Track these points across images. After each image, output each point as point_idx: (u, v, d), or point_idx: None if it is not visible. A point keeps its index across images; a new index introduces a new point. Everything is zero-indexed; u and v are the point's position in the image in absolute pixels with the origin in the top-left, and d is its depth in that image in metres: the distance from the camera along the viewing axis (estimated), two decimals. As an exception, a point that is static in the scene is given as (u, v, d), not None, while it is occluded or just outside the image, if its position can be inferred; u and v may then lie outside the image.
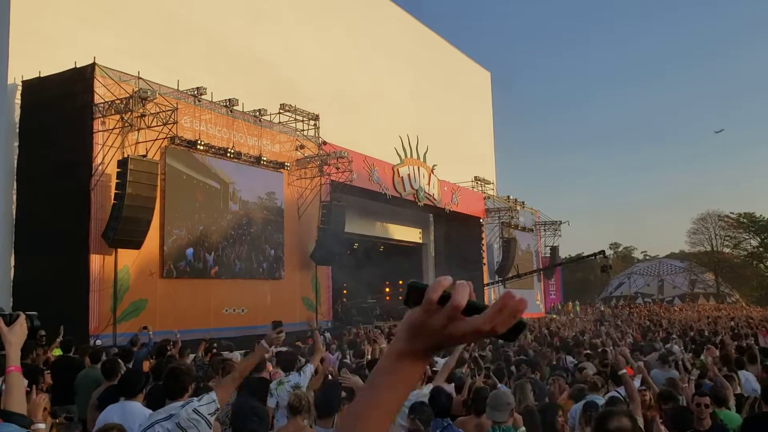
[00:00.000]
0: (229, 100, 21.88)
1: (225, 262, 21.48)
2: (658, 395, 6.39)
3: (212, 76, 22.95)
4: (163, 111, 18.33)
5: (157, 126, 18.34)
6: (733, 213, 75.85)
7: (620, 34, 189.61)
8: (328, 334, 19.09)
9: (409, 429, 4.65)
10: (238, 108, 22.29)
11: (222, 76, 23.99)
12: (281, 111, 24.34)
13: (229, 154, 21.39)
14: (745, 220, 74.49)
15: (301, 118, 25.19)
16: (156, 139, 18.36)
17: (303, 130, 25.37)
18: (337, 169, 24.95)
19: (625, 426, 2.65)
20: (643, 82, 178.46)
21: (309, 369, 7.00)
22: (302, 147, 24.82)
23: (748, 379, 8.46)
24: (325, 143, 25.49)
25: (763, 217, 73.70)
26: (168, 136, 18.82)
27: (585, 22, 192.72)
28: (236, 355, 10.73)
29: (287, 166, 24.04)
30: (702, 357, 11.15)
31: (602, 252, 31.18)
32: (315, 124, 25.61)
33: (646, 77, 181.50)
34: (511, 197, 43.29)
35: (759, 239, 74.66)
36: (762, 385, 6.47)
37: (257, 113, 23.25)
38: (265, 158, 22.91)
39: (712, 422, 5.52)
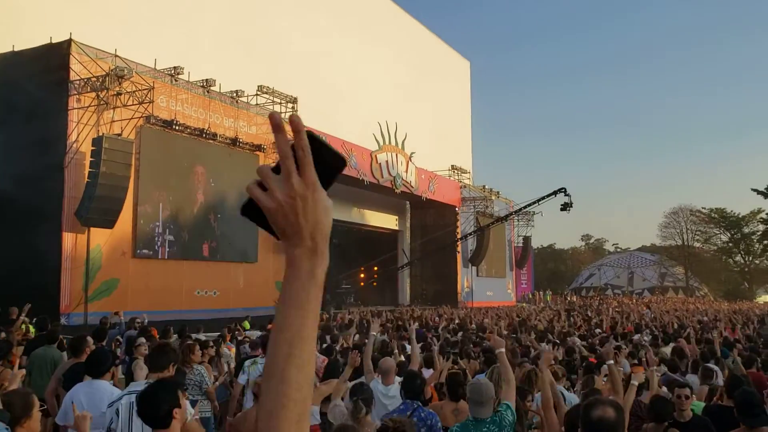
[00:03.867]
0: (206, 80, 21.65)
1: (198, 244, 21.34)
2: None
3: (190, 55, 22.66)
4: (140, 90, 18.09)
5: (132, 105, 18.11)
6: (704, 208, 77.09)
7: (598, 24, 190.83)
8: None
9: (351, 410, 4.69)
10: (215, 88, 22.05)
11: (200, 56, 23.70)
12: (259, 93, 24.13)
13: (205, 135, 21.20)
14: (716, 216, 75.72)
15: (278, 101, 25.00)
16: (131, 118, 18.14)
17: (281, 113, 25.18)
18: (314, 153, 24.82)
19: (609, 416, 2.67)
20: (619, 72, 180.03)
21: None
22: (279, 130, 24.67)
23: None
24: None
25: (734, 213, 75.03)
26: (144, 115, 18.60)
27: (562, 12, 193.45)
28: (202, 337, 10.68)
29: (264, 148, 23.88)
30: (664, 349, 11.36)
31: (563, 189, 30.77)
32: (293, 107, 25.43)
33: (623, 67, 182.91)
34: (486, 187, 43.52)
35: (729, 235, 76.00)
36: (726, 380, 6.65)
37: (234, 94, 23.03)
38: (241, 140, 22.74)
39: (692, 414, 5.62)
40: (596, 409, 2.73)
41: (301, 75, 29.50)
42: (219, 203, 22.26)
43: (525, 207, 32.96)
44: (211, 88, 21.86)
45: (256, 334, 13.57)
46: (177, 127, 20.08)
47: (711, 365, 8.33)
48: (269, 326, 15.44)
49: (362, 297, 36.40)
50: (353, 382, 5.47)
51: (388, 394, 5.88)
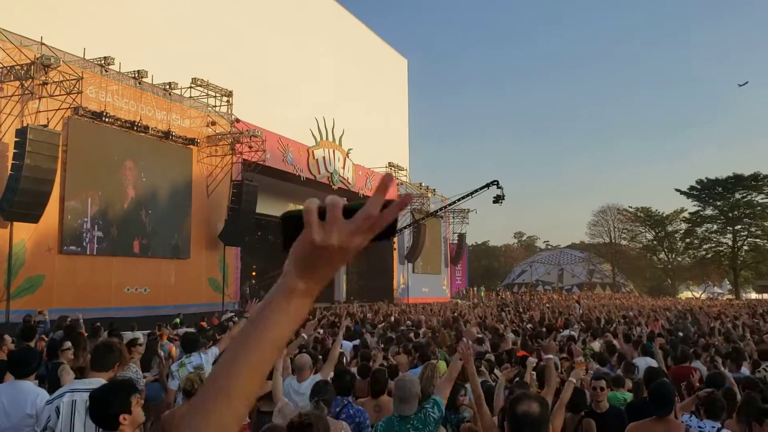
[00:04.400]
0: (138, 71, 21.05)
1: (128, 239, 20.74)
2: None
3: (121, 46, 21.99)
4: (67, 80, 17.44)
5: (60, 95, 17.44)
6: (631, 207, 79.92)
7: (532, 28, 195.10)
8: (231, 315, 18.81)
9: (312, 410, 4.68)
10: (147, 80, 21.47)
11: (131, 47, 23.02)
12: (193, 85, 23.62)
13: (136, 128, 20.61)
14: (641, 215, 78.59)
15: (213, 94, 24.54)
16: (59, 109, 17.46)
17: (215, 106, 24.73)
18: (250, 148, 24.47)
19: (533, 411, 2.73)
20: (551, 74, 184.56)
21: (213, 351, 6.90)
22: (214, 123, 24.22)
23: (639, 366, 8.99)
24: (238, 121, 24.96)
25: (659, 212, 78.07)
26: (71, 106, 17.92)
27: (498, 15, 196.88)
28: (139, 335, 10.40)
29: (197, 142, 23.41)
30: (594, 343, 11.74)
31: (495, 182, 31.19)
32: (228, 101, 25.01)
33: (555, 70, 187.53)
34: (423, 184, 43.90)
35: (654, 233, 78.99)
36: (646, 374, 6.91)
37: (167, 86, 22.48)
38: (174, 133, 22.22)
39: (609, 405, 5.83)
40: (522, 404, 2.79)
41: (236, 68, 29.00)
42: (150, 198, 21.69)
43: (459, 200, 33.27)
44: (143, 79, 21.27)
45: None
46: (107, 119, 19.46)
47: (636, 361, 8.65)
48: (201, 323, 15.16)
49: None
50: (315, 381, 5.42)
51: (300, 390, 5.85)
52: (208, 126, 24.10)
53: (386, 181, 0.96)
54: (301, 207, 0.97)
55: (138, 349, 7.97)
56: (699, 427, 4.86)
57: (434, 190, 44.74)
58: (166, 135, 21.89)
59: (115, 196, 20.33)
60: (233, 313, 19.61)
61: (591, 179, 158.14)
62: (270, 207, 30.91)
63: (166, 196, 22.40)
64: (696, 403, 5.36)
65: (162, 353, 9.25)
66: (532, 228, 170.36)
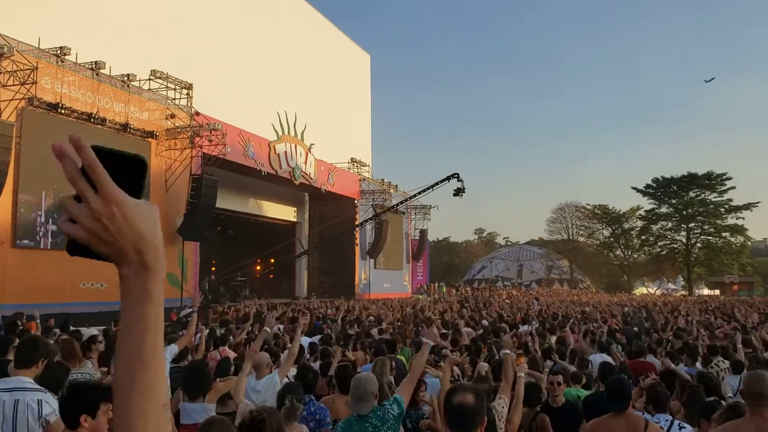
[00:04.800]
0: (96, 62, 20.60)
1: (85, 233, 20.29)
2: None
3: (78, 36, 21.48)
4: (21, 70, 16.98)
5: (13, 85, 16.97)
6: (588, 205, 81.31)
7: (496, 24, 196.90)
8: (189, 311, 18.58)
9: (287, 410, 4.65)
10: (105, 71, 21.03)
11: (89, 37, 22.50)
12: (152, 77, 23.20)
13: (93, 120, 20.17)
14: (599, 212, 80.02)
15: (173, 86, 24.15)
16: (12, 100, 16.99)
17: (175, 99, 24.35)
18: (210, 141, 24.18)
19: (468, 402, 2.79)
20: (511, 72, 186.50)
21: (172, 349, 6.83)
22: (173, 116, 23.84)
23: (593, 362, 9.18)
24: (197, 114, 24.63)
25: (616, 210, 79.60)
26: (26, 96, 17.46)
27: (460, 11, 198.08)
28: (94, 331, 10.19)
29: (156, 135, 23.03)
30: (550, 339, 11.94)
31: (456, 174, 31.30)
32: (188, 94, 24.64)
33: (515, 67, 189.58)
34: (385, 180, 43.96)
35: (610, 230, 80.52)
36: (599, 368, 7.09)
37: (125, 78, 22.05)
38: (132, 126, 21.82)
39: (565, 400, 5.93)
40: (457, 395, 2.87)
41: (197, 61, 28.56)
42: (108, 191, 21.24)
43: (419, 193, 33.30)
44: (101, 70, 20.82)
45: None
46: (63, 111, 19.00)
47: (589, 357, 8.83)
48: (171, 314, 14.97)
49: (258, 289, 35.90)
50: (285, 383, 5.39)
51: (256, 388, 5.83)
52: (167, 119, 23.72)
53: (57, 150, 0.91)
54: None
55: (98, 347, 7.83)
56: (654, 421, 5.00)
57: (396, 186, 44.82)
58: (124, 127, 21.49)
59: (70, 190, 19.74)
60: (192, 309, 19.39)
61: (550, 177, 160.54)
62: (230, 202, 30.61)
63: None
64: (643, 399, 5.50)
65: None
66: (493, 224, 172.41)
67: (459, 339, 10.51)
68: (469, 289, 60.20)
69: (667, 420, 5.05)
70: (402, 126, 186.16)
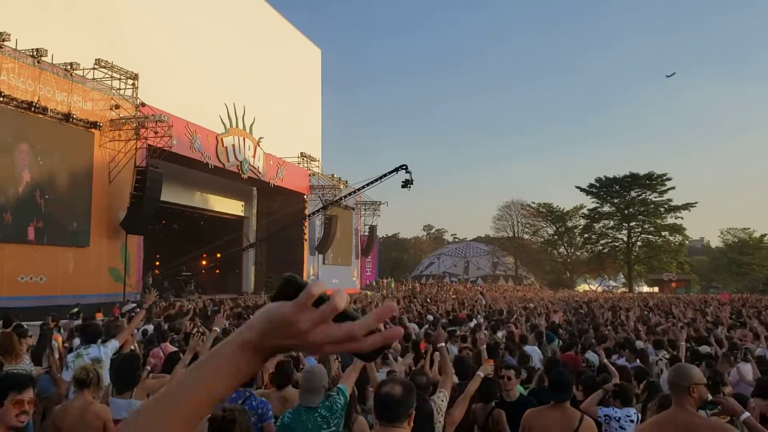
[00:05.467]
0: (37, 49, 19.91)
1: (22, 226, 19.63)
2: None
3: (18, 21, 20.72)
4: (-45, 54, 16.29)
5: (-54, 70, 16.27)
6: (534, 203, 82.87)
7: (442, 18, 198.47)
8: (132, 306, 18.19)
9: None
10: (47, 59, 20.35)
11: (30, 24, 21.74)
12: (96, 66, 22.56)
13: (34, 109, 19.51)
14: (543, 210, 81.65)
15: (118, 76, 23.55)
16: (-56, 85, 16.29)
17: (120, 89, 23.74)
18: (156, 133, 23.65)
19: (394, 392, 2.87)
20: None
21: (113, 344, 6.68)
22: (117, 107, 23.24)
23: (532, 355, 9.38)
24: (143, 105, 24.06)
25: (560, 208, 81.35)
26: (-41, 82, 16.77)
27: (408, 6, 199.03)
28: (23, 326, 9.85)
29: (99, 126, 22.43)
30: (498, 334, 12.13)
31: (404, 166, 31.38)
32: (133, 84, 24.06)
33: (467, 60, 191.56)
34: (335, 176, 43.82)
35: (554, 228, 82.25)
36: (545, 363, 7.23)
37: (68, 66, 21.38)
38: (74, 116, 21.19)
39: (519, 394, 6.03)
40: (386, 386, 2.96)
41: (143, 51, 27.88)
42: (48, 184, 20.60)
43: (368, 185, 33.28)
44: (42, 58, 20.13)
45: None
46: (1, 99, 18.31)
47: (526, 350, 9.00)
48: (97, 314, 14.57)
49: (204, 284, 35.39)
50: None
51: None
52: (111, 109, 23.10)
53: (386, 310, 0.94)
54: (307, 281, 0.95)
55: (27, 341, 7.58)
56: (627, 415, 5.14)
57: (346, 181, 44.74)
58: (67, 117, 20.85)
59: (8, 180, 19.18)
60: (135, 304, 18.98)
61: (498, 175, 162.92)
62: (176, 195, 30.04)
63: (65, 182, 21.35)
64: (606, 395, 5.65)
65: (54, 344, 8.90)
66: (441, 221, 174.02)
67: (411, 334, 10.61)
68: (417, 284, 60.62)
69: (636, 413, 5.21)
70: (353, 122, 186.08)
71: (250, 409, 4.94)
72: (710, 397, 3.86)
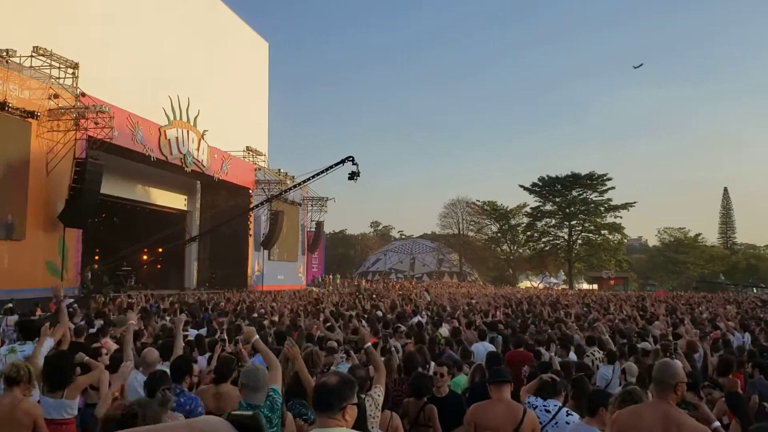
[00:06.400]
0: (-31, 34, 19.14)
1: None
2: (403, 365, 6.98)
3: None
4: None
5: None
6: (478, 201, 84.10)
7: (392, 11, 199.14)
8: (71, 301, 17.70)
9: (159, 401, 4.53)
10: (-20, 45, 19.59)
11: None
12: (34, 54, 21.82)
13: (-35, 96, 18.76)
14: (488, 208, 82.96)
15: (57, 65, 22.82)
16: None
17: (59, 78, 23.00)
18: (96, 124, 23.01)
19: (330, 382, 2.96)
20: (413, 58, 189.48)
21: (48, 343, 6.54)
22: (56, 96, 22.53)
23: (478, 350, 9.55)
24: (83, 95, 23.38)
25: (504, 206, 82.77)
26: None
27: (357, 1, 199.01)
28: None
29: (37, 115, 21.70)
30: (441, 329, 12.29)
31: (350, 158, 31.23)
32: (73, 73, 23.35)
33: (417, 53, 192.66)
34: (281, 171, 43.48)
35: (498, 226, 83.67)
36: (487, 357, 7.39)
37: (4, 53, 20.62)
38: (10, 104, 20.46)
39: (449, 390, 6.16)
40: (323, 378, 3.05)
41: (84, 39, 27.03)
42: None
43: (314, 177, 32.97)
44: (-25, 43, 19.37)
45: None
46: (-71, 84, 17.56)
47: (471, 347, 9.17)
48: (36, 311, 14.16)
49: (145, 280, 34.64)
50: (152, 371, 5.26)
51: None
52: (49, 99, 22.37)
53: None
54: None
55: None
56: (544, 405, 5.29)
57: (293, 176, 44.42)
58: (2, 106, 20.11)
59: None
60: (72, 299, 18.47)
61: (445, 173, 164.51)
62: (117, 188, 29.34)
63: (2, 171, 20.60)
64: (537, 386, 5.83)
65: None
66: (388, 218, 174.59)
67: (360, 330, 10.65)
68: (363, 281, 60.75)
69: (555, 405, 5.37)
70: (301, 117, 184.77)
71: (178, 405, 4.91)
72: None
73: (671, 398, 3.77)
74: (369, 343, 5.51)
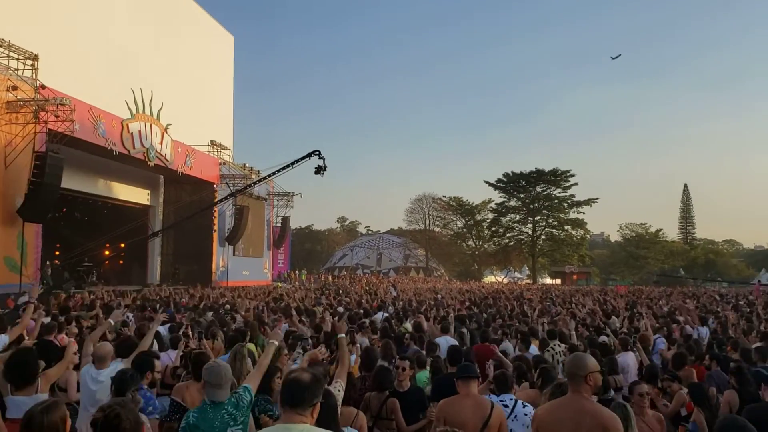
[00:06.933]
0: None
1: None
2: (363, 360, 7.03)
3: None
4: None
5: None
6: (444, 196, 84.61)
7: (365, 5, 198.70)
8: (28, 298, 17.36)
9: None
10: (-65, 34, 19.05)
11: None
12: (-9, 45, 21.33)
13: None
14: (454, 204, 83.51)
15: (16, 56, 22.32)
16: None
17: (18, 70, 22.49)
18: (57, 117, 22.56)
19: (301, 378, 2.98)
20: (386, 51, 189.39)
21: (2, 339, 6.45)
22: (15, 88, 22.01)
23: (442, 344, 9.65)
24: (43, 87, 22.89)
25: (469, 202, 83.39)
26: None
27: None
28: None
29: (-5, 108, 21.21)
30: (406, 324, 12.37)
31: (317, 152, 31.03)
32: (33, 65, 22.86)
33: (389, 46, 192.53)
34: (247, 165, 43.14)
35: (464, 221, 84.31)
36: (449, 351, 7.48)
37: (-41, 43, 20.12)
38: (-34, 96, 19.96)
39: (411, 384, 6.23)
40: (294, 374, 3.09)
41: (44, 31, 26.47)
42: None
43: (280, 171, 32.74)
44: (-72, 32, 18.83)
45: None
46: None
47: (438, 340, 9.27)
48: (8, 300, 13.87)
49: (107, 275, 34.06)
50: (122, 370, 5.22)
51: (98, 378, 5.67)
52: (8, 90, 21.85)
53: None
54: None
55: None
56: (500, 401, 5.40)
57: (258, 171, 44.11)
58: (-44, 97, 19.61)
59: None
60: (30, 298, 18.10)
61: (411, 168, 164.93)
62: (78, 182, 28.82)
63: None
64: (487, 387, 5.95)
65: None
66: (355, 214, 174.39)
67: (321, 325, 10.66)
68: (330, 276, 60.67)
69: (511, 399, 5.48)
70: (267, 113, 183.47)
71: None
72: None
73: (584, 389, 3.89)
74: (342, 334, 5.54)
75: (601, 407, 3.92)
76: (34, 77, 22.85)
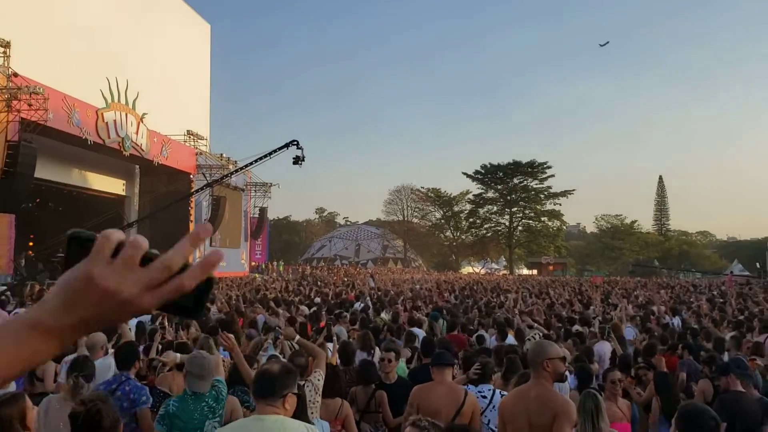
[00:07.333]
0: None
1: None
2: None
3: None
4: None
5: None
6: (423, 188, 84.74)
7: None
8: (3, 288, 17.17)
9: (71, 387, 4.45)
10: None
11: None
12: (-39, 31, 20.90)
13: None
14: (432, 195, 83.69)
15: (-14, 43, 21.91)
16: None
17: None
18: (30, 105, 22.21)
19: (272, 369, 3.04)
20: (373, 46, 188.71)
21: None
22: (-14, 76, 21.65)
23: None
24: (16, 75, 22.50)
25: (447, 193, 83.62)
26: None
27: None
28: None
29: (-35, 96, 20.81)
30: (383, 315, 12.45)
31: (295, 142, 30.84)
32: (5, 53, 22.47)
33: (376, 41, 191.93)
34: (224, 155, 42.80)
35: (442, 212, 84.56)
36: (422, 342, 7.56)
37: (-72, 30, 19.68)
38: (-64, 84, 19.57)
39: (397, 376, 6.27)
40: (266, 365, 3.22)
41: (16, 17, 25.98)
42: None
43: (257, 161, 32.55)
44: None
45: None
46: None
47: (416, 330, 9.34)
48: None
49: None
50: (73, 356, 5.20)
51: None
52: (-22, 78, 21.48)
53: (201, 234, 0.86)
54: (93, 233, 0.82)
55: None
56: (479, 391, 5.47)
57: (236, 161, 43.77)
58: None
59: None
60: (5, 287, 17.90)
61: (390, 159, 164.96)
62: (52, 172, 28.41)
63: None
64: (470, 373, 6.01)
65: None
66: (334, 205, 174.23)
67: (295, 317, 10.65)
68: (308, 267, 60.55)
69: (489, 389, 5.55)
70: (244, 102, 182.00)
71: (122, 394, 4.86)
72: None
73: (542, 375, 3.98)
74: (297, 336, 5.62)
75: (556, 393, 4.01)
76: (6, 65, 22.45)
